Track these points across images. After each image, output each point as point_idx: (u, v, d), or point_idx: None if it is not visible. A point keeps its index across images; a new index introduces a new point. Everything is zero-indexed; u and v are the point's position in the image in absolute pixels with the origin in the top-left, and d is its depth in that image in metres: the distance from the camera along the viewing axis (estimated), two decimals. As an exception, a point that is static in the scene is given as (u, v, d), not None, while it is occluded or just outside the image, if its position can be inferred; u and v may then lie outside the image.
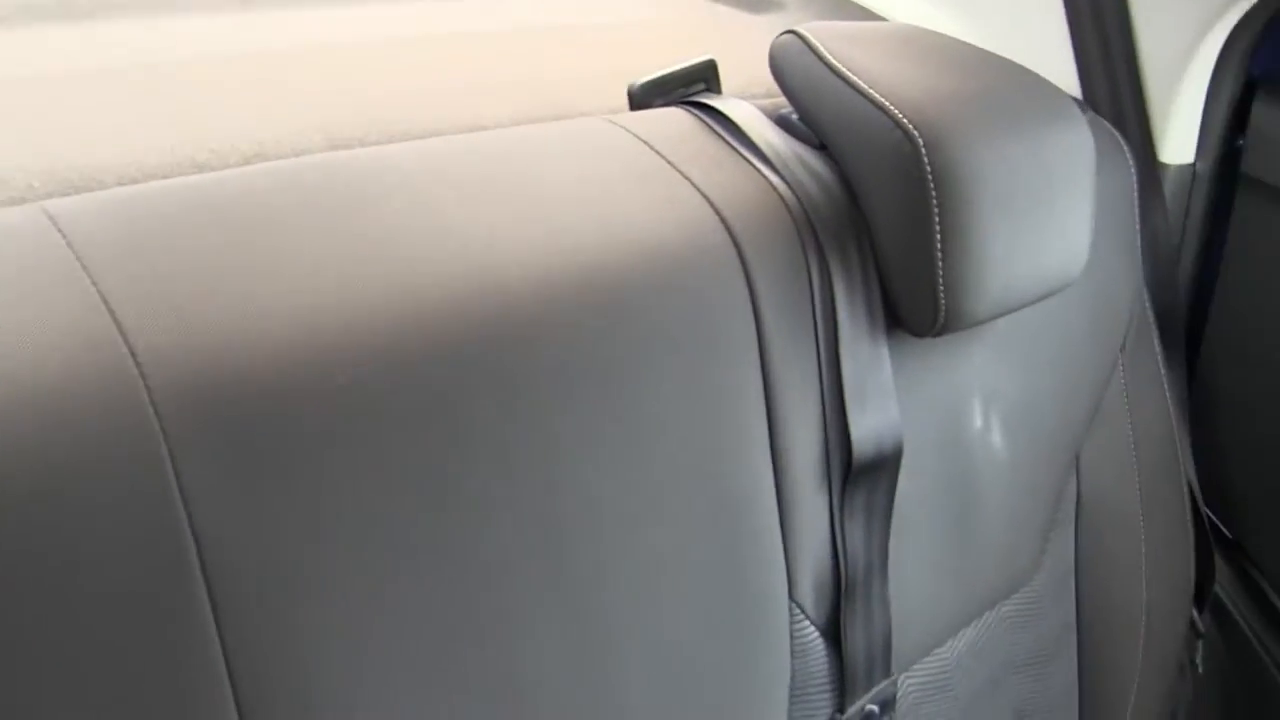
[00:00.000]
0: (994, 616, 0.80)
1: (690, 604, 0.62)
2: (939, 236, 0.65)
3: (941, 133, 0.65)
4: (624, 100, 0.76)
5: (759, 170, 0.68)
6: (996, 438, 0.78)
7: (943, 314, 0.66)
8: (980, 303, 0.67)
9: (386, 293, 0.53)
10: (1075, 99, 0.96)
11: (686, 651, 0.62)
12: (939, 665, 0.76)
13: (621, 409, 0.59)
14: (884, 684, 0.71)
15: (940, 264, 0.65)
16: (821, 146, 0.71)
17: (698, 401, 0.61)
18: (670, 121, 0.72)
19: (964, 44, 0.77)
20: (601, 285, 0.58)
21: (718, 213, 0.64)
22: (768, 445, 0.64)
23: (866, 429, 0.67)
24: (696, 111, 0.73)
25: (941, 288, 0.65)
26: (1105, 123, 0.93)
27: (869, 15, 1.08)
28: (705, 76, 0.78)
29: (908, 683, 0.74)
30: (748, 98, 0.80)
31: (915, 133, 0.64)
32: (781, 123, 0.74)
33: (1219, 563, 1.00)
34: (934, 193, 0.64)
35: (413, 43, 0.85)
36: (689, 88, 0.77)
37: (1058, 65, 0.97)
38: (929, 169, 0.64)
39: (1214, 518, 1.04)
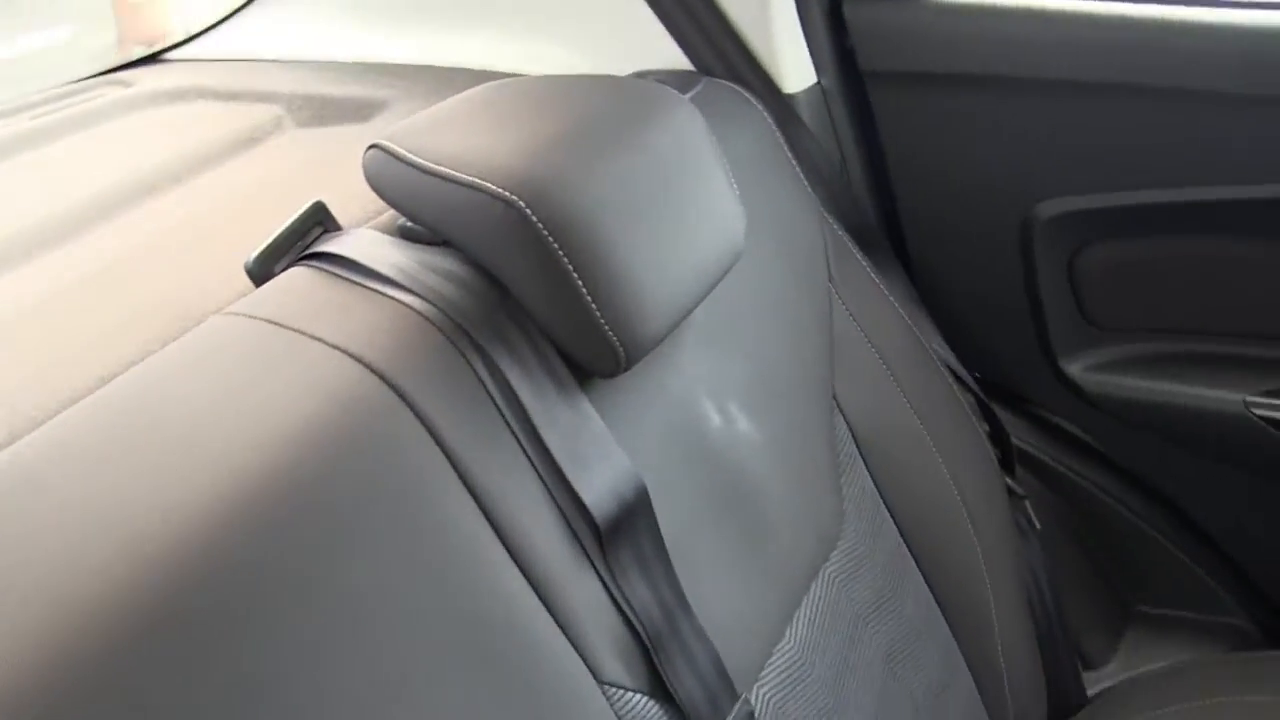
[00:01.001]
0: (820, 585, 0.80)
1: None
2: (581, 284, 0.64)
3: (541, 186, 0.64)
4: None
5: (391, 297, 0.66)
6: (742, 424, 0.78)
7: (621, 352, 0.65)
8: (653, 323, 0.67)
9: (53, 610, 0.50)
10: (690, 72, 0.98)
11: None
12: (786, 660, 0.75)
13: (345, 604, 0.56)
14: (736, 707, 0.69)
15: (595, 308, 0.64)
16: (446, 243, 0.70)
17: (419, 554, 0.59)
18: (290, 286, 0.69)
19: (561, 79, 0.76)
20: (269, 496, 0.55)
21: (359, 361, 0.62)
22: (508, 555, 0.62)
23: (599, 487, 0.66)
24: (317, 263, 0.71)
25: (608, 329, 0.65)
26: (723, 82, 0.94)
27: (484, 75, 1.07)
28: (319, 219, 0.75)
29: (762, 691, 0.73)
30: (372, 217, 0.78)
31: (514, 197, 0.64)
32: (405, 234, 0.72)
33: (1013, 420, 1.03)
34: (556, 245, 0.63)
35: (31, 310, 0.80)
36: (306, 238, 0.74)
37: (665, 51, 0.99)
38: (541, 226, 0.63)
39: (991, 380, 1.07)
